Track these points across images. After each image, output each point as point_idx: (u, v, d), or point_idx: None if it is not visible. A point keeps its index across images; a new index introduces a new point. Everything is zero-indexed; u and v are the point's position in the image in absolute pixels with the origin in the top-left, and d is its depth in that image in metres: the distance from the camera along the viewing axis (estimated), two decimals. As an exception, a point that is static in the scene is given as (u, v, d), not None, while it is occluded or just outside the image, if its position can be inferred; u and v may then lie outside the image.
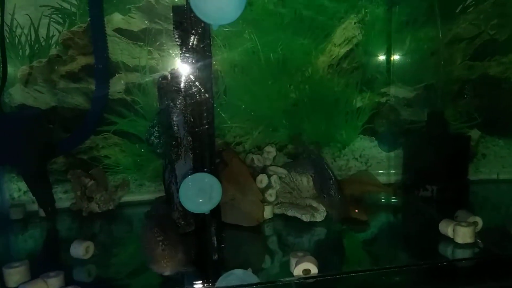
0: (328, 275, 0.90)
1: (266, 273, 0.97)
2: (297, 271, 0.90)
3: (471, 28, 1.56)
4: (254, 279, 0.85)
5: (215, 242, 0.90)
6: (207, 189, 0.81)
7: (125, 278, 0.99)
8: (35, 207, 1.34)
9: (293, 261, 0.93)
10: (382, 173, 1.58)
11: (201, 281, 0.86)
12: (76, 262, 1.02)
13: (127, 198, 1.43)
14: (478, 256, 1.03)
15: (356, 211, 1.14)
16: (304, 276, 0.89)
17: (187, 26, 0.91)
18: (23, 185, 1.38)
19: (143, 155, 1.45)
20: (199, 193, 0.80)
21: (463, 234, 1.05)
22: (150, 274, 1.01)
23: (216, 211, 1.09)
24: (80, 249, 1.02)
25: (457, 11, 1.56)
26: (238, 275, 0.83)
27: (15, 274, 0.89)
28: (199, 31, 0.90)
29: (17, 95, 1.36)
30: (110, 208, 1.37)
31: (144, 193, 1.46)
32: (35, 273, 0.92)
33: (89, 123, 1.38)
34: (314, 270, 0.90)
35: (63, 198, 1.40)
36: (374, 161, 1.61)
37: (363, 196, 1.39)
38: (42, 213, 1.32)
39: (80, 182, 1.35)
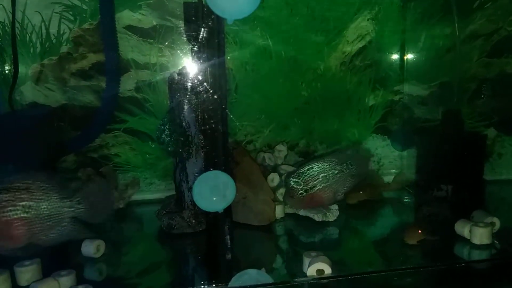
0: (342, 276, 0.88)
1: (278, 273, 0.95)
2: (311, 271, 0.89)
3: (488, 24, 1.53)
4: (268, 279, 0.84)
5: (229, 241, 0.89)
6: (221, 187, 0.79)
7: (136, 277, 0.98)
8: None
9: (306, 261, 0.92)
10: (395, 172, 1.55)
11: (213, 281, 0.85)
12: (87, 260, 1.02)
13: (137, 196, 1.42)
14: (496, 257, 1.01)
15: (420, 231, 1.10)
16: (318, 276, 0.88)
17: (199, 22, 0.90)
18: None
19: (154, 153, 1.44)
20: (213, 191, 0.79)
21: (480, 235, 1.03)
22: (161, 273, 1.01)
23: (228, 210, 1.08)
24: (91, 248, 1.02)
25: (474, 6, 1.52)
26: (251, 275, 0.82)
27: (27, 272, 0.89)
28: (212, 27, 0.88)
29: (28, 93, 1.35)
30: (120, 206, 1.36)
31: (154, 191, 1.45)
32: (46, 271, 0.91)
33: (99, 121, 1.37)
34: (327, 270, 0.89)
35: (73, 196, 1.40)
36: (387, 160, 1.59)
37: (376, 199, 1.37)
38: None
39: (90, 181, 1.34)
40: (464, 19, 1.50)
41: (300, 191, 1.20)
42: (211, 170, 0.82)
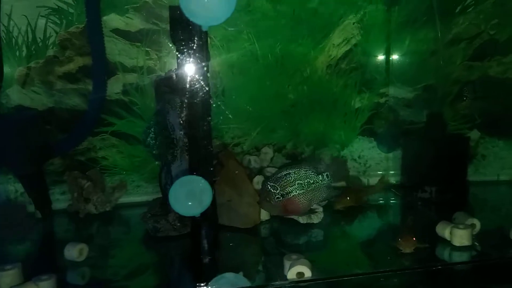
0: (321, 279, 0.89)
1: (260, 276, 0.96)
2: (291, 274, 0.89)
3: (471, 28, 1.55)
4: (245, 282, 0.85)
5: (206, 245, 0.90)
6: (197, 192, 0.80)
7: (118, 281, 0.98)
8: (31, 208, 1.33)
9: (286, 264, 0.92)
10: (381, 174, 1.56)
11: (191, 285, 0.86)
12: (69, 264, 1.02)
13: (124, 199, 1.43)
14: (476, 259, 1.01)
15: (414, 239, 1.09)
16: (297, 279, 0.88)
17: (184, 26, 0.91)
18: (20, 187, 1.37)
19: (141, 156, 1.45)
20: (189, 196, 0.80)
21: (460, 236, 1.04)
22: (142, 276, 1.01)
23: (213, 213, 1.09)
24: (73, 252, 1.01)
25: (456, 11, 1.54)
26: (229, 278, 0.83)
27: (7, 277, 0.89)
28: (196, 31, 0.89)
29: (14, 96, 1.36)
30: (107, 209, 1.36)
31: (141, 194, 1.46)
32: (28, 276, 0.91)
33: (86, 124, 1.37)
34: (307, 273, 0.89)
35: (60, 199, 1.40)
36: (373, 162, 1.60)
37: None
38: (38, 215, 1.32)
39: (77, 184, 1.34)
40: (447, 23, 1.52)
41: (277, 196, 1.20)
42: (188, 175, 0.83)
